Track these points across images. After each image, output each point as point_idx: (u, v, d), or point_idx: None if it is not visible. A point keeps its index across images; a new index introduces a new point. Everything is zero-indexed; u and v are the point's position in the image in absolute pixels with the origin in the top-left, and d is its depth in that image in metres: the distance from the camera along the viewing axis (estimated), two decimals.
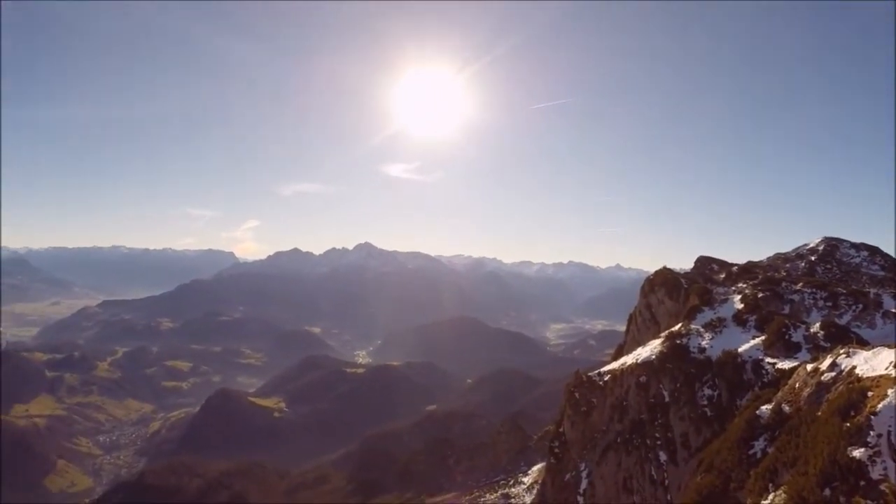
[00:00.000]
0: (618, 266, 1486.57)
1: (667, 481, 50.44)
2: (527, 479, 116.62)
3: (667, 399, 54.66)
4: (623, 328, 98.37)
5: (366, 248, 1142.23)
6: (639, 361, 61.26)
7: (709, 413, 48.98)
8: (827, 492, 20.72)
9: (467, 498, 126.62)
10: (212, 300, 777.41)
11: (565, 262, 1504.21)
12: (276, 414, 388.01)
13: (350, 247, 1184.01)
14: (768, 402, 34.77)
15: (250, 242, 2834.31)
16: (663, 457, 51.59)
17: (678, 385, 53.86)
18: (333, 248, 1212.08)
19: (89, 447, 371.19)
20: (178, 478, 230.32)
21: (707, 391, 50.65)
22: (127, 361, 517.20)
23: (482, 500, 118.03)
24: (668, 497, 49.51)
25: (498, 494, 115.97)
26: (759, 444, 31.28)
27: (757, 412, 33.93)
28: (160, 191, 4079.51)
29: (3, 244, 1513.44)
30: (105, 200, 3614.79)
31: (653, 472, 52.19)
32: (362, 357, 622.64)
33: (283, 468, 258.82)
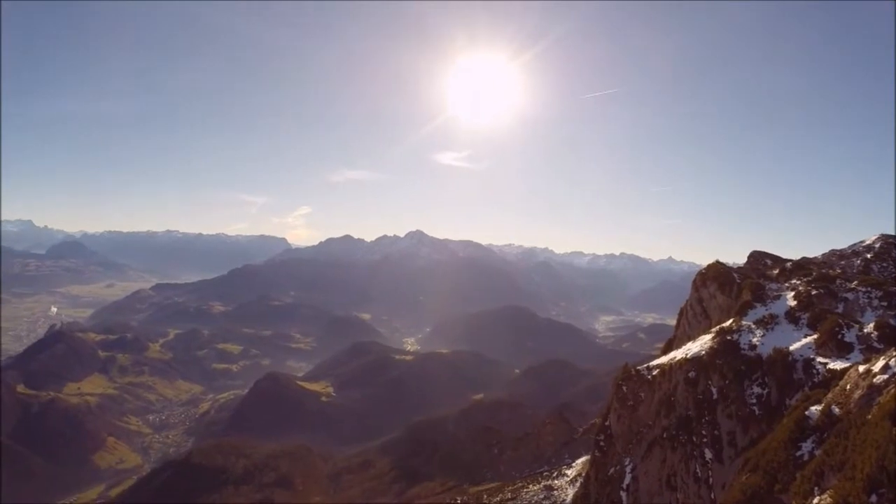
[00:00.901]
0: (670, 259, 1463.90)
1: (711, 479, 49.71)
2: (570, 472, 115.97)
3: (715, 396, 53.78)
4: (673, 322, 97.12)
5: (417, 236, 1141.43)
6: (688, 356, 60.39)
7: (757, 412, 48.07)
8: (874, 498, 20.15)
9: (510, 488, 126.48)
10: (263, 285, 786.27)
11: (617, 253, 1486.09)
12: (324, 398, 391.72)
13: (401, 234, 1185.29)
14: (818, 402, 33.99)
15: (302, 229, 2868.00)
16: (709, 454, 50.81)
17: (727, 382, 52.97)
18: (385, 236, 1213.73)
19: (139, 426, 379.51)
20: (225, 458, 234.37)
21: (756, 389, 49.69)
22: (178, 343, 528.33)
23: (525, 490, 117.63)
24: (712, 496, 48.77)
25: (541, 486, 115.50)
26: (807, 446, 30.58)
27: (806, 413, 33.20)
28: (214, 177, 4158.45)
29: (59, 228, 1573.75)
30: (160, 186, 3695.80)
31: (697, 470, 51.46)
32: (411, 344, 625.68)
33: (328, 452, 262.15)
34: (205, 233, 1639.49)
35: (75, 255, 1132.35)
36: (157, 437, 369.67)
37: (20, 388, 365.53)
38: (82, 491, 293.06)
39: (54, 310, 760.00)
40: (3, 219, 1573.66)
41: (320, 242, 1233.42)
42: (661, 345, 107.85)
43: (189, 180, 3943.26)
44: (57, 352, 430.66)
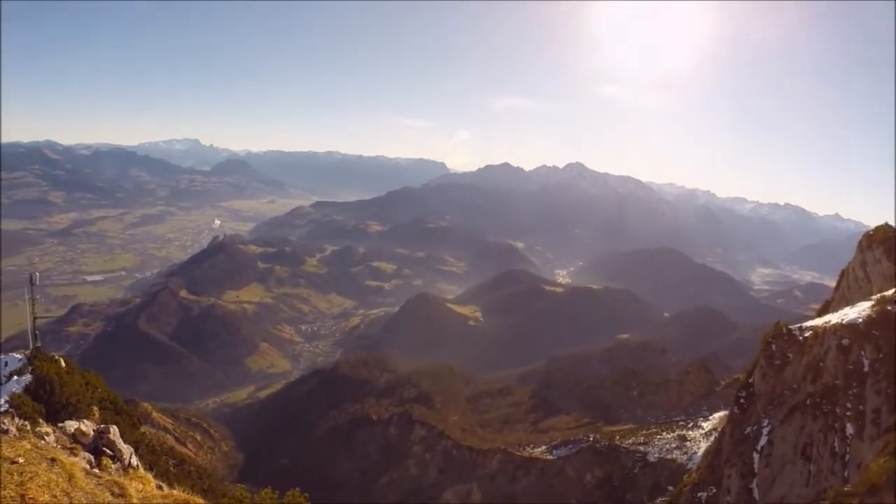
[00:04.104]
0: (836, 216, 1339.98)
1: (847, 456, 47.40)
2: (706, 425, 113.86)
3: (866, 368, 50.80)
4: (833, 283, 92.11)
5: (577, 168, 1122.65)
6: (843, 322, 57.15)
7: None
8: None
9: (643, 433, 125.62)
10: (420, 207, 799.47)
11: (781, 203, 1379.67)
12: (471, 322, 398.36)
13: (560, 165, 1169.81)
14: None
15: (461, 154, 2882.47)
16: (850, 429, 48.24)
17: (881, 356, 49.85)
18: (544, 165, 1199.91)
19: (291, 334, 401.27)
20: (370, 371, 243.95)
21: None
22: (334, 259, 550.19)
23: (658, 437, 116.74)
24: (846, 473, 46.56)
25: (675, 435, 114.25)
26: None
27: None
28: (377, 101, 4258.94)
29: (225, 147, 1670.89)
30: (324, 108, 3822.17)
31: (836, 444, 49.09)
32: (562, 276, 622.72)
33: (470, 375, 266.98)
34: (365, 154, 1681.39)
35: (239, 172, 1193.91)
36: (307, 346, 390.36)
37: (183, 293, 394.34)
38: (233, 391, 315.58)
39: (217, 223, 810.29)
40: (170, 137, 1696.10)
41: (479, 169, 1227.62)
42: (816, 305, 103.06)
43: (353, 104, 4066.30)
44: (218, 261, 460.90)
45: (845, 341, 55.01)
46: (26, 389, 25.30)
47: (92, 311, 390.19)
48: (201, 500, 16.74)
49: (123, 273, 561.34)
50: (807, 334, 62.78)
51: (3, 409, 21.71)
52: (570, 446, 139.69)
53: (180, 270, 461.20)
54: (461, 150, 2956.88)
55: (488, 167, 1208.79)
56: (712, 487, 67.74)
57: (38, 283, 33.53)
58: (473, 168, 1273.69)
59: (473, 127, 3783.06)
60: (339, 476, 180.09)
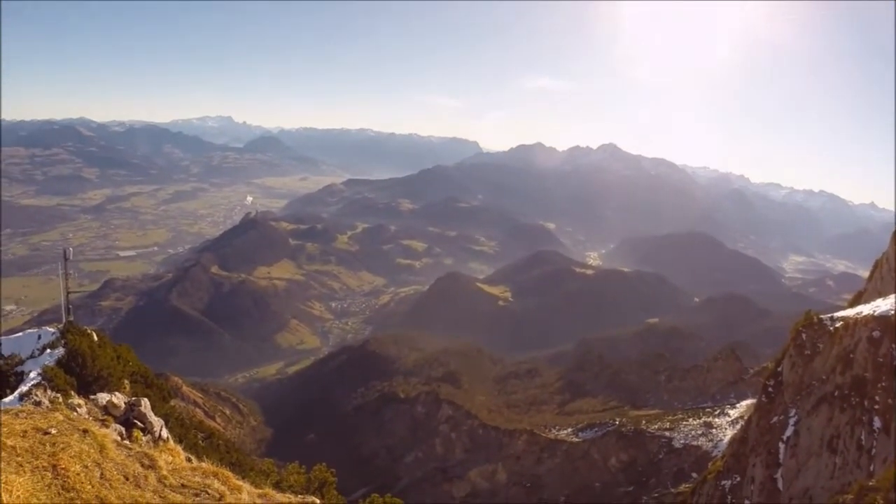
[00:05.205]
0: (872, 205, 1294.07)
1: (874, 450, 47.07)
2: (733, 413, 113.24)
3: None
4: (866, 273, 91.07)
5: (610, 149, 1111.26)
6: (875, 314, 56.54)
7: None
8: None
9: (670, 418, 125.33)
10: (452, 186, 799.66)
11: (816, 190, 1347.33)
12: (501, 302, 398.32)
13: (593, 146, 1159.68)
14: None
15: (493, 133, 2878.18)
16: (877, 423, 47.88)
17: None
18: (577, 146, 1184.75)
19: (321, 311, 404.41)
20: (399, 349, 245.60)
21: None
22: (365, 237, 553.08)
23: (684, 423, 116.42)
24: (872, 467, 46.26)
25: (701, 421, 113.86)
26: None
27: None
28: (411, 79, 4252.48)
29: (257, 125, 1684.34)
30: (358, 86, 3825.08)
31: (862, 438, 48.77)
32: (593, 259, 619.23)
33: (498, 355, 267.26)
34: (398, 132, 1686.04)
35: (272, 149, 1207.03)
36: (336, 322, 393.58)
37: (214, 269, 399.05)
38: (263, 366, 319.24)
39: (250, 199, 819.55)
40: (204, 114, 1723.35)
41: (511, 149, 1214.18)
42: (849, 296, 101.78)
43: (386, 82, 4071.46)
44: (250, 238, 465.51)
45: (876, 333, 54.50)
46: (59, 362, 25.83)
47: (124, 285, 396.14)
48: (229, 473, 17.07)
49: (156, 248, 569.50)
50: (837, 325, 62.18)
51: (36, 381, 22.25)
52: (596, 429, 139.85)
53: (212, 246, 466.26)
54: (494, 130, 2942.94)
55: (521, 147, 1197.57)
56: (737, 476, 67.54)
57: (71, 258, 34.14)
58: (506, 148, 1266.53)
59: (507, 107, 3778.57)
60: (365, 452, 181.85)
